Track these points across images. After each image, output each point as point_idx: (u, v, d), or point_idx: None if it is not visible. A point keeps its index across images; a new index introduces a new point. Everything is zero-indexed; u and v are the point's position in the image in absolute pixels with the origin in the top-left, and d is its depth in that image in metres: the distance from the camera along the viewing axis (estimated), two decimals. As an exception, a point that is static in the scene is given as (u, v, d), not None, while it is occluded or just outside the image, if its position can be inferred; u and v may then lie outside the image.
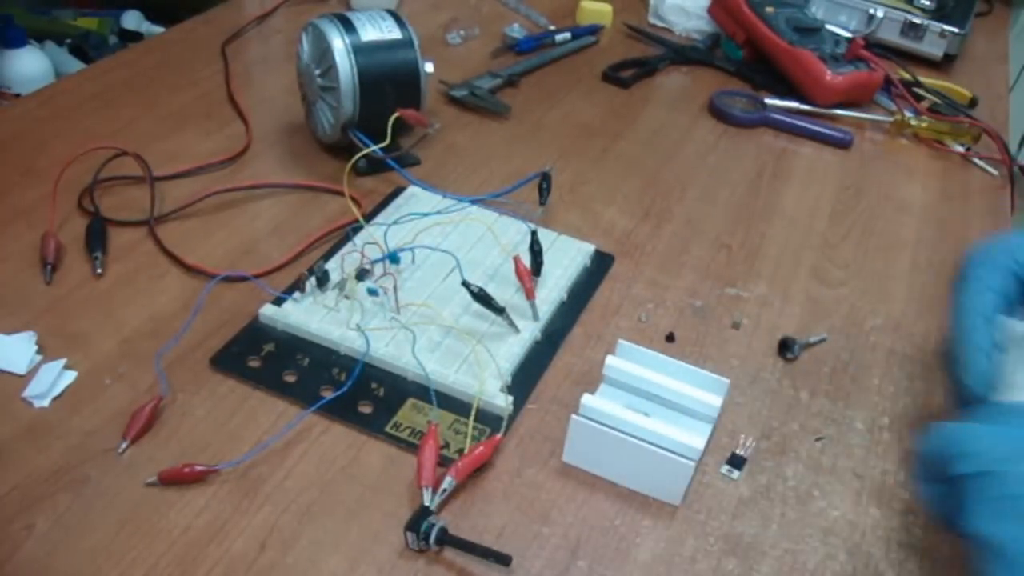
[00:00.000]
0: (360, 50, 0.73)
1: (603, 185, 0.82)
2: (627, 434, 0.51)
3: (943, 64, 1.15)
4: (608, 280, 0.70)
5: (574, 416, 0.52)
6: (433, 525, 0.47)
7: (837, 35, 1.05)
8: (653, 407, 0.56)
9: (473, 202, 0.74)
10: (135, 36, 1.64)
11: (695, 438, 0.52)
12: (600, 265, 0.71)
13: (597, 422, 0.52)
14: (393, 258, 0.64)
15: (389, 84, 0.75)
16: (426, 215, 0.70)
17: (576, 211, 0.78)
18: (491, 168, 0.82)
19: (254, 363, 0.58)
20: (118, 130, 0.80)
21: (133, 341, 0.59)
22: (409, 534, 0.48)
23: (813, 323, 0.68)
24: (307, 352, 0.59)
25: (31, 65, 1.43)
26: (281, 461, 0.52)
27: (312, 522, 0.49)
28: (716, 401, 0.55)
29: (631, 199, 0.80)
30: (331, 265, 0.64)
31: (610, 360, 0.57)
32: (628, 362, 0.57)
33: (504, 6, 1.16)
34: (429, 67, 0.77)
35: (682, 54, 1.08)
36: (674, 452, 0.51)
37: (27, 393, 0.54)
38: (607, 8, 1.13)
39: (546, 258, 0.66)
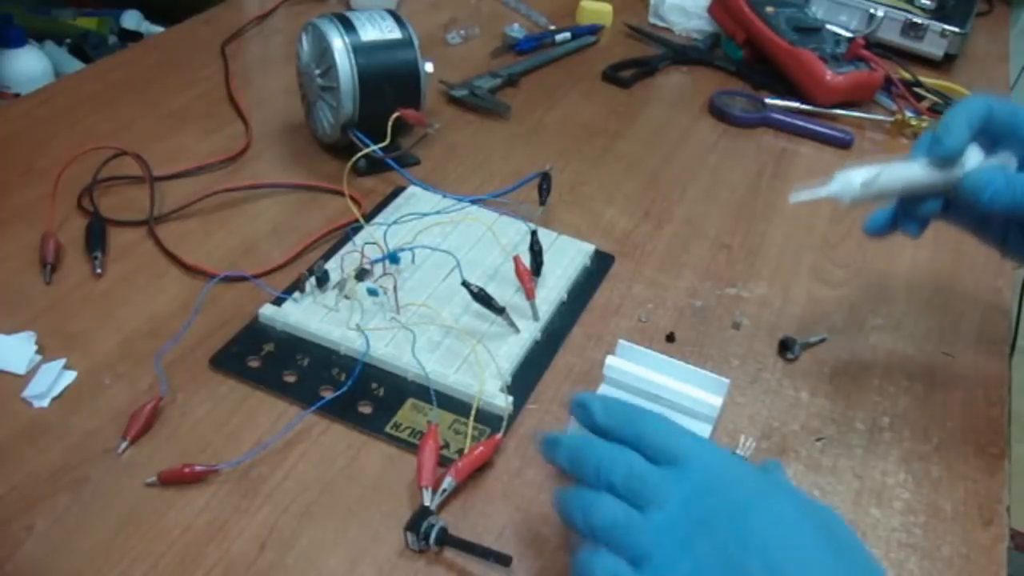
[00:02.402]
0: (360, 50, 0.73)
1: (603, 185, 0.82)
2: None
3: (944, 64, 1.14)
4: (608, 280, 0.70)
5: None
6: (433, 525, 0.47)
7: (837, 35, 1.05)
8: (653, 407, 0.56)
9: (473, 202, 0.74)
10: (135, 36, 1.64)
11: None
12: (600, 265, 0.71)
13: None
14: (393, 258, 0.64)
15: (389, 84, 0.75)
16: (426, 215, 0.70)
17: (576, 211, 0.78)
18: (491, 168, 0.82)
19: (254, 363, 0.58)
20: (118, 130, 0.80)
21: (133, 341, 0.59)
22: (409, 534, 0.48)
23: (813, 323, 0.68)
24: (307, 352, 0.59)
25: (31, 65, 1.43)
26: (281, 461, 0.52)
27: (312, 522, 0.49)
28: (716, 401, 0.55)
29: (631, 199, 0.80)
30: (331, 265, 0.64)
31: (610, 360, 0.57)
32: (628, 362, 0.57)
33: (504, 6, 1.16)
34: (429, 67, 0.77)
35: (682, 54, 1.08)
36: None
37: (27, 393, 0.54)
38: (607, 8, 1.13)
39: (546, 258, 0.66)
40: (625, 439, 0.44)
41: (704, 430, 0.55)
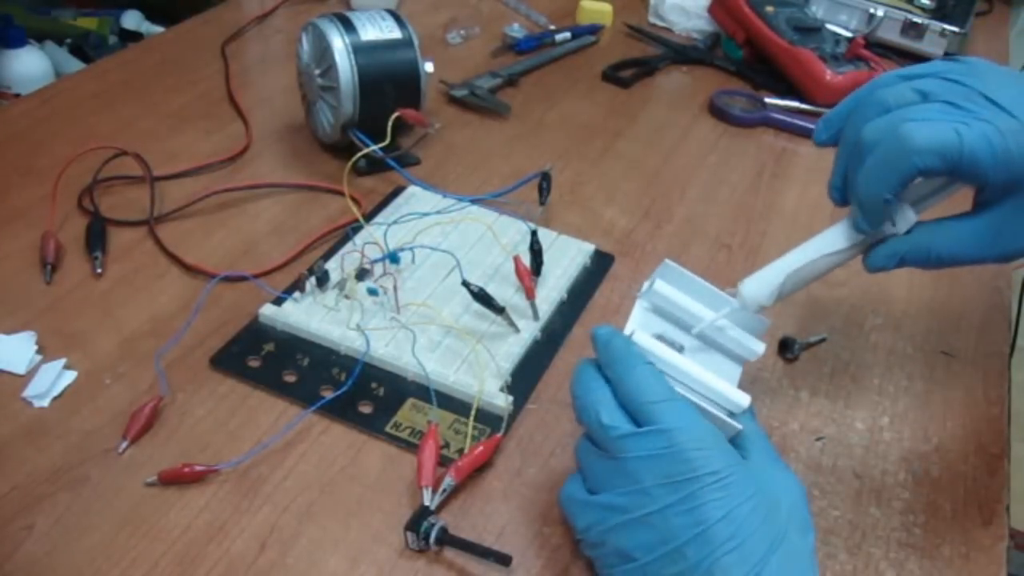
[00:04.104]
0: (360, 50, 0.73)
1: (603, 185, 0.82)
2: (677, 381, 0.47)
3: (943, 64, 1.14)
4: (608, 280, 0.70)
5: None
6: (433, 525, 0.47)
7: (837, 34, 1.05)
8: (687, 339, 0.51)
9: (473, 202, 0.74)
10: (135, 36, 1.64)
11: (741, 394, 0.47)
12: (600, 265, 0.71)
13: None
14: (393, 258, 0.64)
15: (389, 84, 0.75)
16: (426, 215, 0.70)
17: (576, 211, 0.78)
18: (491, 168, 0.82)
19: (254, 363, 0.58)
20: (118, 130, 0.80)
21: (133, 341, 0.59)
22: (409, 534, 0.48)
23: (813, 323, 0.68)
24: (307, 352, 0.59)
25: (31, 65, 1.43)
26: (281, 461, 0.52)
27: (312, 522, 0.49)
28: (758, 348, 0.51)
29: (631, 199, 0.80)
30: (331, 265, 0.64)
31: (658, 286, 0.51)
32: (674, 289, 0.51)
33: (504, 6, 1.16)
34: (429, 67, 0.77)
35: (682, 54, 1.08)
36: (722, 409, 0.47)
37: (27, 393, 0.54)
38: (607, 8, 1.13)
39: (546, 258, 0.66)
40: (611, 380, 0.46)
41: (735, 372, 0.51)
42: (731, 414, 0.47)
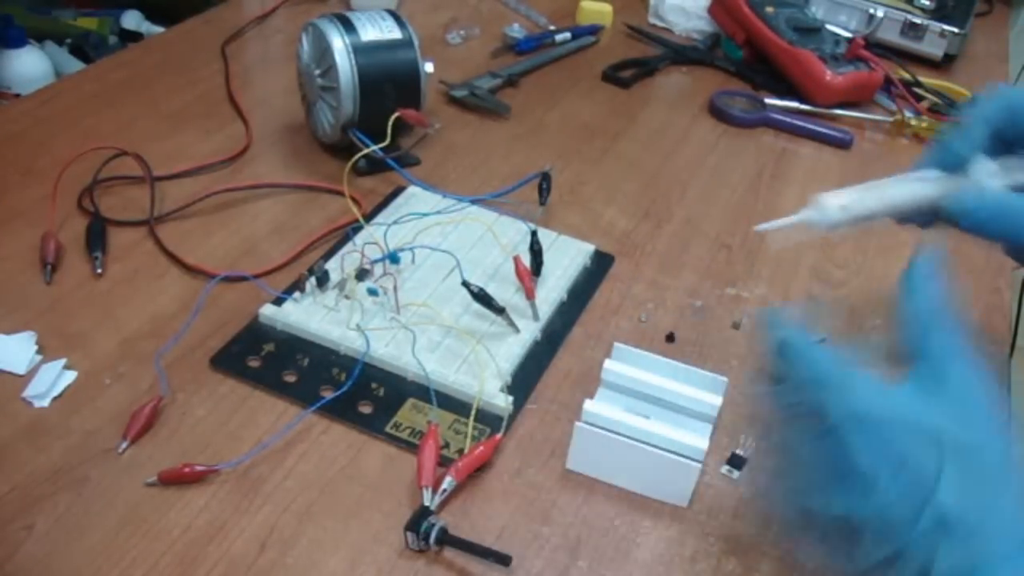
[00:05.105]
0: (360, 50, 0.73)
1: (603, 185, 0.82)
2: (632, 439, 0.51)
3: (943, 64, 1.15)
4: (608, 280, 0.70)
5: (579, 424, 0.52)
6: (433, 525, 0.47)
7: (837, 35, 1.05)
8: (652, 409, 0.56)
9: (473, 202, 0.74)
10: (135, 36, 1.64)
11: (699, 439, 0.52)
12: (600, 265, 0.71)
13: (602, 428, 0.52)
14: (393, 258, 0.64)
15: (389, 84, 0.75)
16: (426, 215, 0.70)
17: (576, 211, 0.78)
18: (491, 168, 0.82)
19: (254, 363, 0.58)
20: (118, 130, 0.80)
21: (133, 341, 0.59)
22: (409, 534, 0.48)
23: (813, 323, 0.68)
24: (307, 352, 0.59)
25: (31, 65, 1.43)
26: (281, 461, 0.52)
27: (312, 522, 0.49)
28: (715, 400, 0.55)
29: (631, 199, 0.80)
30: (331, 265, 0.64)
31: (608, 364, 0.56)
32: (626, 365, 0.57)
33: (504, 6, 1.16)
34: (429, 67, 0.77)
35: (682, 54, 1.08)
36: (680, 455, 0.51)
37: (27, 393, 0.54)
38: (607, 8, 1.13)
39: (546, 258, 0.66)
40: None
41: (705, 430, 0.55)
42: (692, 459, 0.51)
